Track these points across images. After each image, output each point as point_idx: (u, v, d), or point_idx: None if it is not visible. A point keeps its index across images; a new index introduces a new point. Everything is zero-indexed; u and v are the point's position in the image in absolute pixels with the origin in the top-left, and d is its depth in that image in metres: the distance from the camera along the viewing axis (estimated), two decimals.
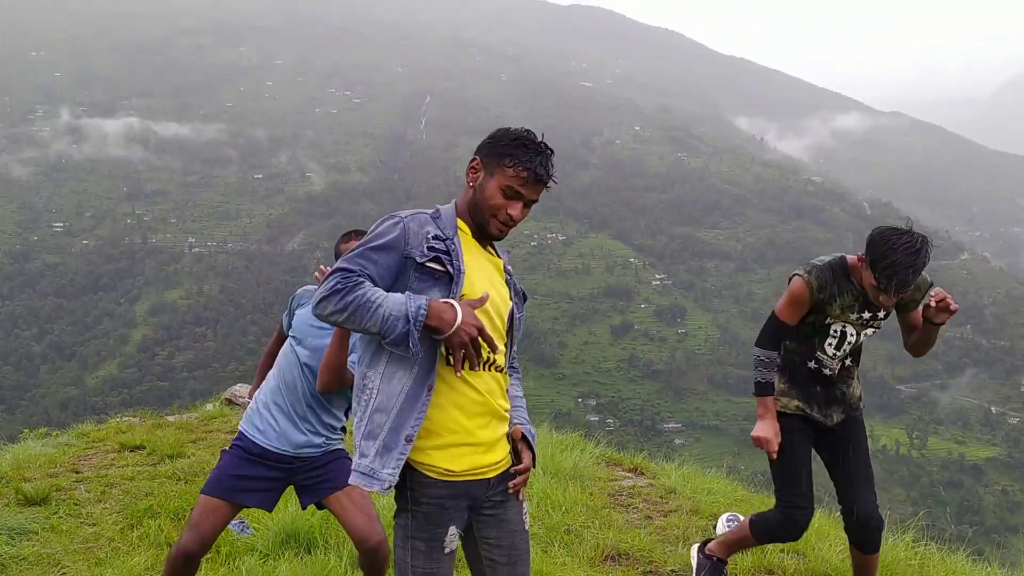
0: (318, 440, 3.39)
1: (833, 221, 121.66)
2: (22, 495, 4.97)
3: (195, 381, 67.61)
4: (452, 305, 2.20)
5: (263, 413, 3.37)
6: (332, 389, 3.17)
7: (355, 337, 2.70)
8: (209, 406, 8.48)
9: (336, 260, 2.63)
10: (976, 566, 4.19)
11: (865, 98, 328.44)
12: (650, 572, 3.88)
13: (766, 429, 3.36)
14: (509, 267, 2.55)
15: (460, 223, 2.43)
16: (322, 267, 3.21)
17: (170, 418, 7.82)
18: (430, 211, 2.43)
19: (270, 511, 3.49)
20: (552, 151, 2.49)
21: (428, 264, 2.30)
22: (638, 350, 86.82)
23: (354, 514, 3.32)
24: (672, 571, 3.88)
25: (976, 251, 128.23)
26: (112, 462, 6.09)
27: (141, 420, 7.67)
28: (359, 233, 3.27)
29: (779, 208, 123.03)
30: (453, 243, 2.35)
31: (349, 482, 2.31)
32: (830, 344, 3.44)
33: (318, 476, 3.37)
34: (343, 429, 3.52)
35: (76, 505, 5.04)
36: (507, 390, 2.47)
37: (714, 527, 4.43)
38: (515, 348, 2.55)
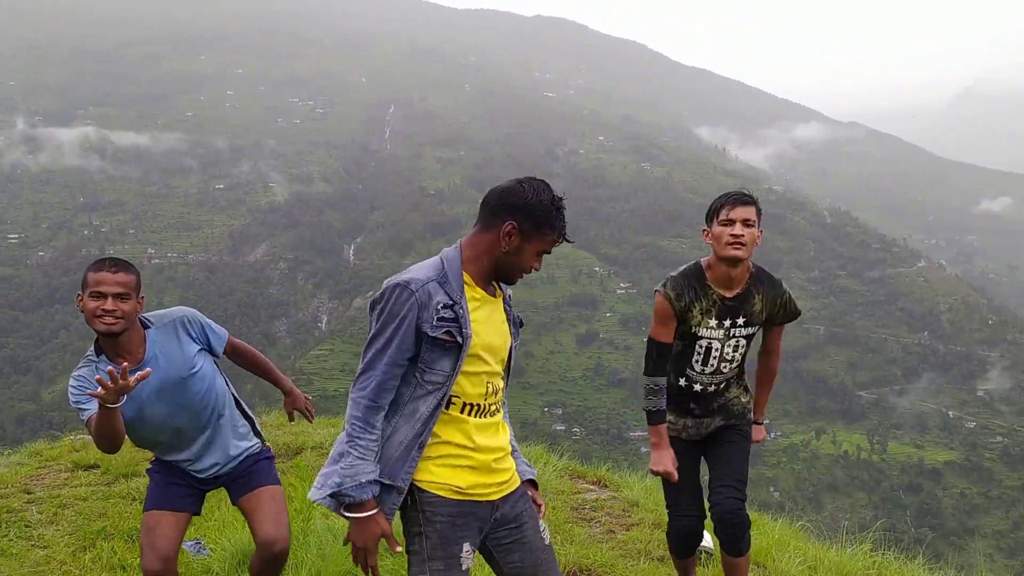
0: (232, 453, 3.34)
1: (794, 230, 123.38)
2: None
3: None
4: (372, 529, 2.36)
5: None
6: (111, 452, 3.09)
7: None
8: None
9: (82, 286, 2.94)
10: (933, 573, 4.23)
11: (824, 108, 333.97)
12: None
13: (663, 459, 3.35)
14: (508, 296, 2.65)
15: (465, 276, 2.49)
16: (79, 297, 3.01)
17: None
18: (435, 273, 2.45)
19: (199, 512, 3.44)
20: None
21: (439, 336, 2.38)
22: (604, 359, 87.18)
23: (264, 516, 3.24)
24: None
25: (932, 259, 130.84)
26: (65, 482, 5.95)
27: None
28: (115, 263, 3.01)
29: None
30: (461, 307, 2.42)
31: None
32: (697, 360, 3.44)
33: (239, 477, 3.34)
34: (255, 432, 3.46)
35: (27, 527, 4.91)
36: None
37: None
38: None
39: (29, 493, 5.63)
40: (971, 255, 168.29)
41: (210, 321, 3.30)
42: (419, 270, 2.46)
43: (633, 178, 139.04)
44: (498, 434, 2.55)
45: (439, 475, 2.43)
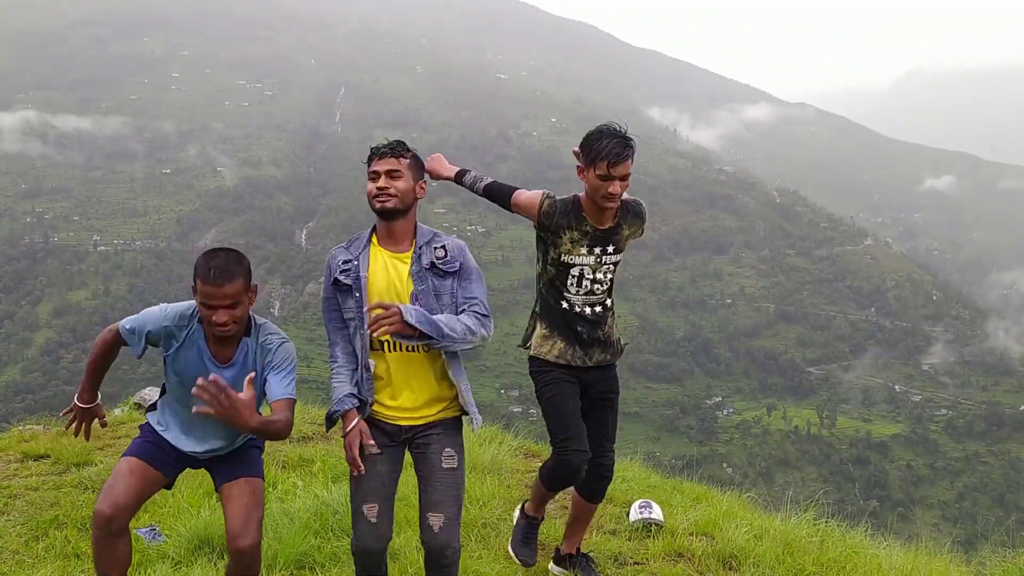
0: (237, 443, 3.36)
1: (744, 210, 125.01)
2: None
3: (105, 385, 64.84)
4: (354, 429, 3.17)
5: (163, 415, 3.35)
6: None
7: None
8: (117, 411, 8.19)
9: (194, 278, 3.08)
10: (874, 540, 4.40)
11: (773, 90, 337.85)
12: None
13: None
14: (428, 252, 3.27)
15: (373, 238, 3.32)
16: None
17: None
18: (347, 242, 3.35)
19: (171, 487, 3.47)
20: None
21: (340, 282, 3.25)
22: None
23: (236, 510, 3.19)
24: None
25: (879, 237, 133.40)
26: (15, 472, 5.86)
27: (45, 428, 7.38)
28: (220, 274, 3.03)
29: (692, 198, 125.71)
30: (356, 261, 3.25)
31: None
32: (571, 284, 3.67)
33: (227, 462, 3.35)
34: None
35: None
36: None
37: (627, 514, 4.54)
38: (446, 309, 3.25)
39: None
40: (916, 233, 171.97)
41: (289, 375, 3.26)
42: (340, 242, 3.37)
43: None
44: (412, 368, 3.22)
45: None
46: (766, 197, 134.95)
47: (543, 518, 4.03)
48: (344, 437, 3.16)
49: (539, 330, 3.79)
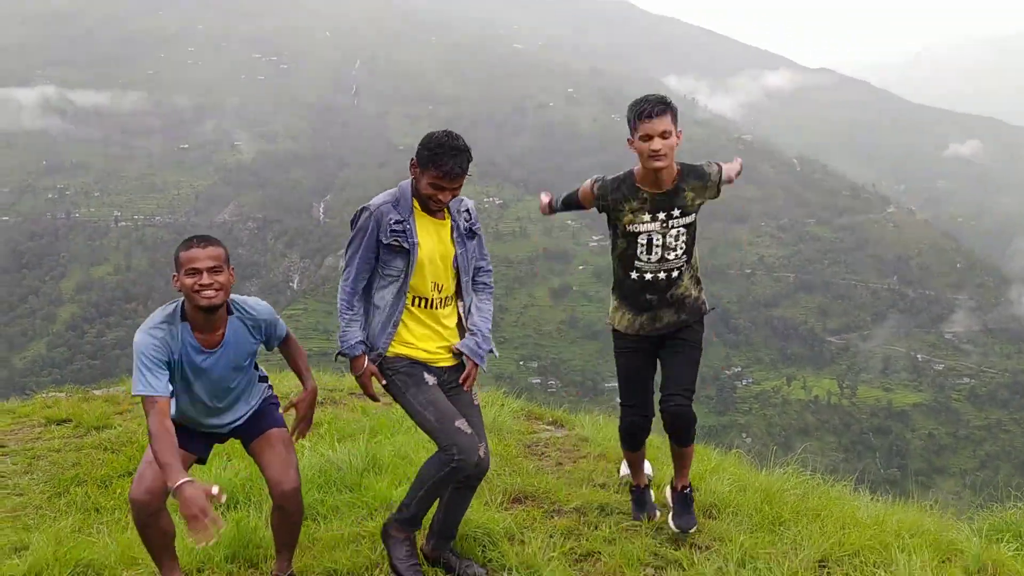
0: (251, 403, 3.53)
1: (763, 179, 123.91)
2: None
3: (127, 358, 65.53)
4: (364, 372, 3.50)
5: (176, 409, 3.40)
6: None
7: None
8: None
9: (176, 266, 3.19)
10: (857, 494, 4.55)
11: (793, 55, 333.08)
12: (554, 510, 4.16)
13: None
14: (461, 218, 3.61)
15: (415, 202, 3.47)
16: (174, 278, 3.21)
17: (97, 391, 7.82)
18: (391, 199, 3.47)
19: (204, 462, 3.61)
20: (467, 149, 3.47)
21: (391, 243, 3.40)
22: (578, 311, 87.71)
23: (272, 458, 3.36)
24: (575, 508, 4.16)
25: (901, 204, 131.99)
26: (38, 436, 6.13)
27: (67, 395, 7.66)
28: (202, 239, 3.21)
29: None
30: (408, 223, 3.42)
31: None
32: (642, 252, 3.82)
33: (250, 421, 3.51)
34: (263, 378, 3.63)
35: (2, 477, 5.11)
36: (469, 305, 3.66)
37: (618, 470, 4.72)
38: (469, 276, 3.64)
39: (3, 447, 5.80)
40: (940, 200, 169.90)
41: (280, 322, 3.53)
42: (379, 197, 3.49)
43: (602, 130, 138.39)
44: (441, 321, 3.55)
45: (398, 349, 3.51)
46: (786, 165, 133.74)
47: (645, 483, 4.21)
48: (358, 379, 3.50)
49: (612, 303, 4.00)
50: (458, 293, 3.63)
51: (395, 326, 3.47)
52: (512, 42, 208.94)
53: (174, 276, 3.19)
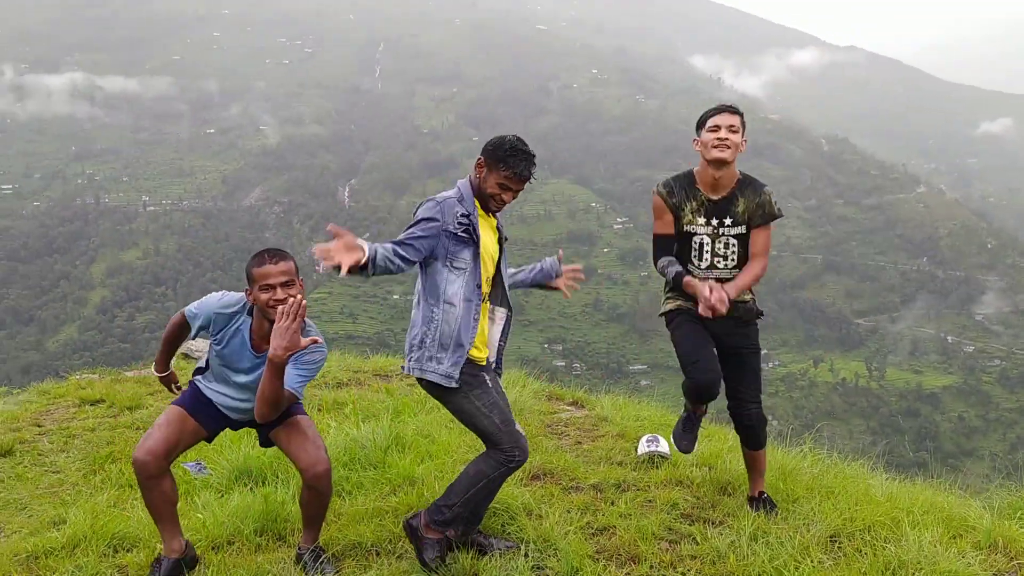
0: None
1: (790, 159, 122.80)
2: None
3: (157, 342, 66.62)
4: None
5: (212, 382, 3.57)
6: (270, 419, 3.30)
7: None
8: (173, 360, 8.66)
9: (248, 280, 3.34)
10: (873, 473, 4.60)
11: (821, 33, 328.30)
12: (572, 487, 4.25)
13: (706, 290, 3.59)
14: (500, 221, 3.66)
15: (476, 201, 3.51)
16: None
17: (128, 373, 8.03)
18: (456, 194, 3.48)
19: (210, 441, 3.69)
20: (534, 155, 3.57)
21: (459, 234, 3.41)
22: (602, 294, 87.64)
23: (302, 443, 3.42)
24: (592, 484, 4.26)
25: (931, 184, 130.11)
26: (73, 416, 6.32)
27: (100, 376, 7.87)
28: (274, 253, 3.32)
29: None
30: (474, 216, 3.46)
31: (432, 379, 3.38)
32: (694, 256, 3.87)
33: None
34: None
35: (40, 455, 5.29)
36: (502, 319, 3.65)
37: (635, 448, 4.81)
38: (507, 283, 3.68)
39: (40, 426, 6.01)
40: (971, 179, 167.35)
41: (308, 375, 3.38)
42: (443, 193, 3.52)
43: (627, 111, 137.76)
44: (484, 316, 3.55)
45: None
46: (813, 145, 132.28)
47: (704, 413, 4.28)
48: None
49: (663, 297, 4.06)
50: (491, 297, 3.60)
51: (476, 320, 3.44)
52: (536, 23, 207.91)
53: (247, 290, 3.32)
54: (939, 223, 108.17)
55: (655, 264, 3.95)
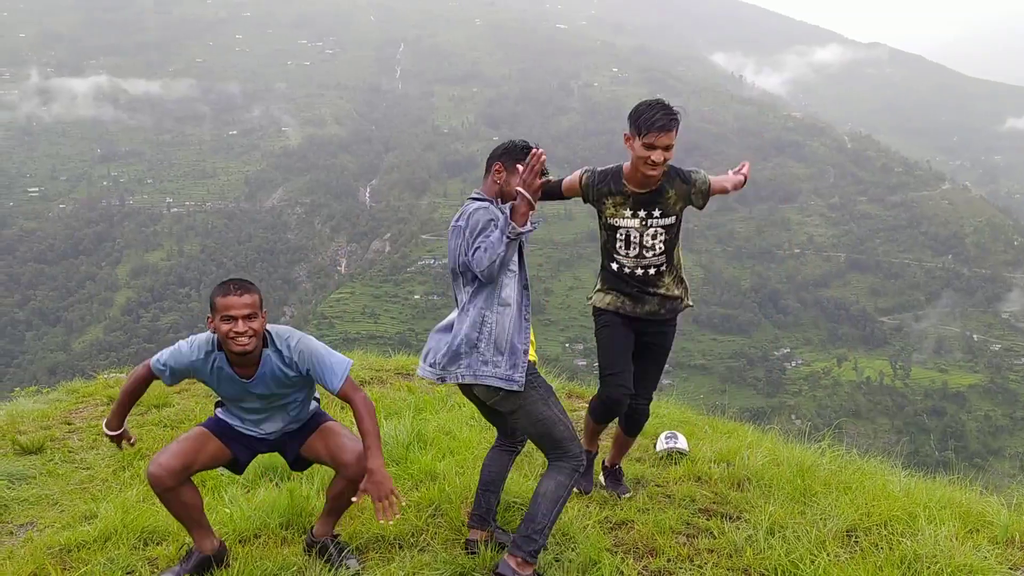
0: (286, 422, 3.55)
1: (813, 156, 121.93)
2: (18, 446, 5.32)
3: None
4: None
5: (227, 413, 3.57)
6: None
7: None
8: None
9: (211, 309, 3.25)
10: (892, 469, 4.62)
11: (844, 30, 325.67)
12: None
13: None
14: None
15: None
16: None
17: None
18: (488, 202, 3.43)
19: (240, 472, 3.65)
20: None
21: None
22: None
23: (342, 442, 3.43)
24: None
25: (956, 180, 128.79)
26: (102, 414, 6.43)
27: (128, 375, 7.99)
28: (239, 285, 3.24)
29: (759, 145, 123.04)
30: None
31: (491, 383, 3.29)
32: (620, 246, 3.90)
33: (298, 431, 3.57)
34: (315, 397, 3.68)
35: (70, 452, 5.41)
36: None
37: (654, 445, 4.86)
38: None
39: (69, 424, 6.13)
40: (996, 175, 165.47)
41: (328, 359, 3.34)
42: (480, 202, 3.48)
43: None
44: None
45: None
46: (836, 142, 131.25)
47: (596, 452, 4.37)
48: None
49: (597, 285, 4.09)
50: None
51: (527, 321, 3.40)
52: (556, 21, 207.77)
53: (209, 318, 3.26)
54: (964, 220, 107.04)
55: None
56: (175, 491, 3.29)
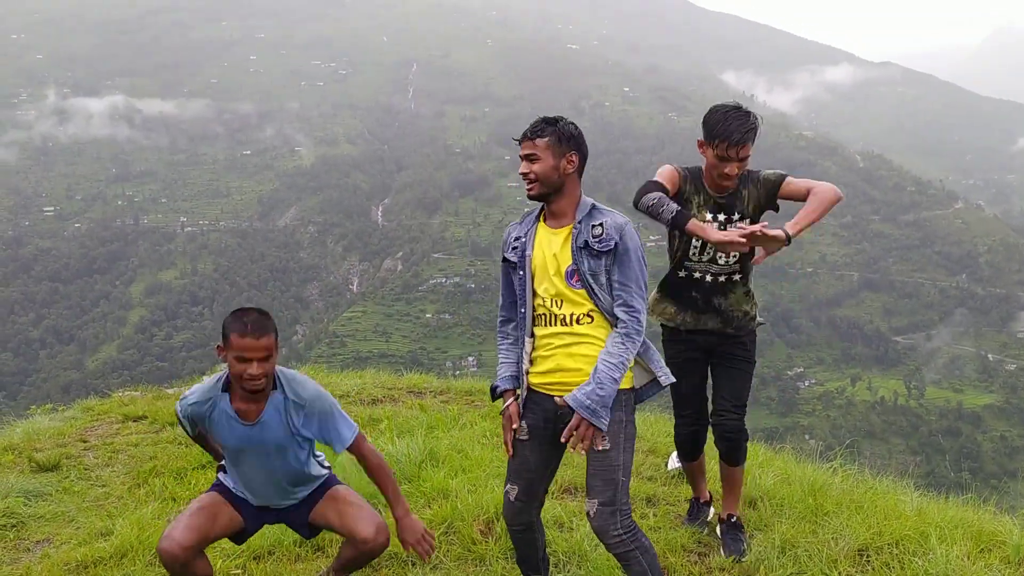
0: (303, 494, 3.40)
1: (825, 175, 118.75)
2: (34, 463, 5.37)
3: (194, 361, 68.01)
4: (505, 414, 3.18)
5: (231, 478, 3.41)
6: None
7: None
8: (207, 377, 8.85)
9: (224, 341, 3.05)
10: (904, 488, 4.61)
11: (855, 50, 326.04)
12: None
13: (718, 233, 3.47)
14: (588, 230, 3.08)
15: (541, 216, 3.19)
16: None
17: (170, 391, 8.21)
18: (521, 219, 3.26)
19: (241, 543, 3.52)
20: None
21: (508, 259, 3.19)
22: None
23: (356, 514, 3.26)
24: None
25: (969, 200, 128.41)
26: (117, 431, 6.49)
27: (142, 394, 8.06)
28: (256, 327, 3.03)
29: (770, 164, 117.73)
30: (527, 238, 3.15)
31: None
32: (694, 250, 3.73)
33: (304, 502, 3.40)
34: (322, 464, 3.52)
35: (86, 470, 5.46)
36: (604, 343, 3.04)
37: (666, 464, 4.87)
38: (603, 298, 3.04)
39: (85, 442, 6.18)
40: (1010, 195, 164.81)
41: (338, 421, 3.25)
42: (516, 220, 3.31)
43: (660, 129, 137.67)
44: (562, 340, 3.04)
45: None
46: (848, 162, 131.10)
47: (707, 498, 4.14)
48: (502, 415, 3.17)
49: (654, 294, 3.88)
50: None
51: (528, 348, 3.10)
52: (567, 41, 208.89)
53: (219, 347, 3.07)
54: (978, 239, 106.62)
55: (636, 202, 3.61)
56: (189, 565, 3.12)
